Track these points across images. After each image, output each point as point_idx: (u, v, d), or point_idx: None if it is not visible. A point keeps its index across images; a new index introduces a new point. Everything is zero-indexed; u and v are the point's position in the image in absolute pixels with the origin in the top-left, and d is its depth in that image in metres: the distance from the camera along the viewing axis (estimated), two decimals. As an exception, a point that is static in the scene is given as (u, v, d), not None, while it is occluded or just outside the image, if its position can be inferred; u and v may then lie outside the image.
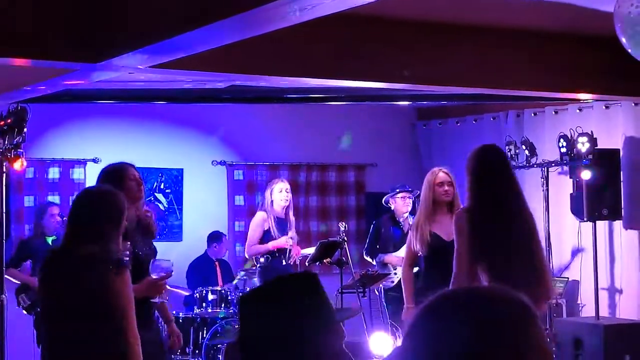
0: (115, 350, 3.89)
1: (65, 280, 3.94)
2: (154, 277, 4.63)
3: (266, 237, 7.68)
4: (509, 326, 1.49)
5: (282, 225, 7.64)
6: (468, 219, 4.72)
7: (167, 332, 5.19)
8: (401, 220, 7.67)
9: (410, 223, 7.56)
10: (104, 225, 3.96)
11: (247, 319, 2.12)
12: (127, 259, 4.23)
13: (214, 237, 8.72)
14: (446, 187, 6.02)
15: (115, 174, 4.83)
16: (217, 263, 8.68)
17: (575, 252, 8.22)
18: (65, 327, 3.95)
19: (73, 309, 3.90)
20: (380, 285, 7.69)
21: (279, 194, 7.52)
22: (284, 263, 7.50)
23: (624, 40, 4.00)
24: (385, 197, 7.82)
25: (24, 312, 7.17)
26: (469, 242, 4.67)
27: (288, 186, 7.62)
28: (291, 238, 7.49)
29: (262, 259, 7.61)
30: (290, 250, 7.61)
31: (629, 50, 4.06)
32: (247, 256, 7.56)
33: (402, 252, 7.55)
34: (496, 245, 4.63)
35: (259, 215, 7.61)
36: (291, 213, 7.70)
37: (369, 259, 7.94)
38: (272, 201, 7.53)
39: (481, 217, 4.70)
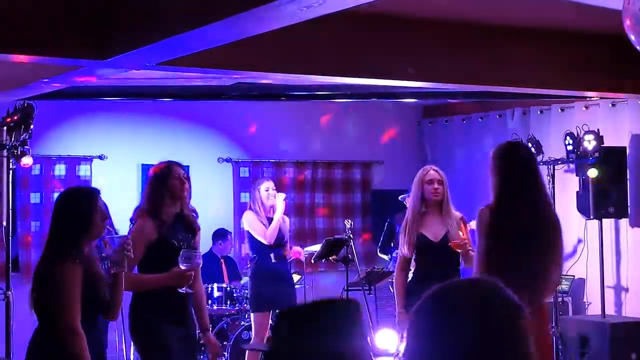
0: (59, 351, 3.96)
1: (33, 280, 4.13)
2: (182, 267, 4.72)
3: (252, 236, 7.58)
4: (501, 320, 1.51)
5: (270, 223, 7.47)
6: (489, 217, 4.58)
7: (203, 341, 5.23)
8: None
9: None
10: (68, 227, 4.11)
11: (280, 334, 2.13)
12: (129, 253, 4.29)
13: (219, 235, 8.73)
14: (436, 185, 5.73)
15: (161, 172, 5.02)
16: (222, 260, 8.69)
17: (582, 250, 8.21)
18: (37, 328, 4.13)
19: (36, 307, 4.07)
20: (391, 280, 7.69)
21: (265, 192, 7.42)
22: (273, 261, 7.40)
23: (632, 37, 3.98)
24: (402, 195, 7.80)
25: None
26: (487, 241, 4.56)
27: (272, 184, 7.53)
28: (280, 195, 7.40)
29: (250, 262, 7.55)
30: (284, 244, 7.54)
31: (638, 48, 4.04)
32: (270, 242, 7.38)
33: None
34: (511, 249, 4.51)
35: (250, 213, 7.48)
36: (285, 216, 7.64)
37: (383, 256, 7.94)
38: (261, 201, 7.41)
39: (501, 217, 4.57)
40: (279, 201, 7.37)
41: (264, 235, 7.38)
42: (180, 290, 4.79)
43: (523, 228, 4.57)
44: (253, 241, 7.51)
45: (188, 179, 5.06)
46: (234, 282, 8.34)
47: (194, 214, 5.13)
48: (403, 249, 5.75)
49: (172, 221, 4.96)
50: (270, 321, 7.20)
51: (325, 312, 2.11)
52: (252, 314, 7.32)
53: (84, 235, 4.11)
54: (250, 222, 7.49)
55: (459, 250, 5.59)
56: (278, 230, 7.36)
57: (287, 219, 7.68)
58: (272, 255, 7.38)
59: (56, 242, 4.09)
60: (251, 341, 7.28)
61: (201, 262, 4.84)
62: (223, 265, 8.65)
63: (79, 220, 4.12)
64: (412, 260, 5.77)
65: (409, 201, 7.65)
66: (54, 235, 4.14)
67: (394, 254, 7.74)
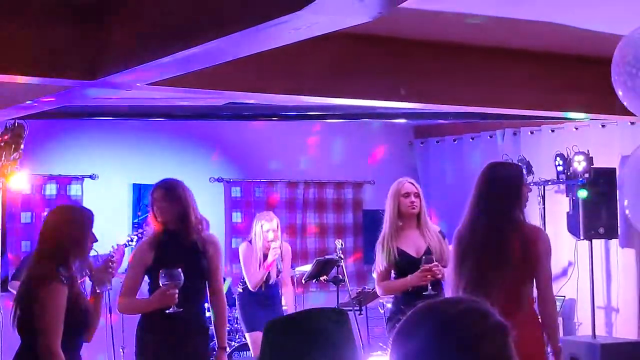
0: None
1: (17, 299, 4.10)
2: (163, 287, 4.70)
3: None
4: (494, 339, 1.53)
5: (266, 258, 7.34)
6: (456, 238, 4.56)
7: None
8: None
9: None
10: (63, 243, 4.08)
11: (271, 345, 2.14)
12: (113, 270, 4.33)
13: None
14: (412, 198, 5.64)
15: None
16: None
17: (572, 270, 8.22)
18: (20, 345, 4.10)
19: (19, 327, 4.04)
20: (382, 301, 7.66)
21: (267, 234, 7.19)
22: (262, 289, 7.27)
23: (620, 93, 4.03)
24: None
25: None
26: (454, 269, 4.51)
27: (275, 226, 7.23)
28: (275, 248, 7.13)
29: (240, 289, 7.43)
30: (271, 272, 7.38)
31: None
32: (253, 288, 7.22)
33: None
34: (473, 272, 4.42)
35: (245, 246, 7.35)
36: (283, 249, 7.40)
37: (375, 276, 7.93)
38: (261, 235, 7.22)
39: (464, 243, 4.49)
40: (272, 252, 7.14)
41: (252, 280, 7.21)
42: (168, 312, 4.75)
43: (476, 251, 4.45)
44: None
45: (165, 198, 5.00)
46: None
47: (197, 237, 5.01)
48: (381, 265, 5.62)
49: (163, 242, 4.96)
50: None
51: (314, 321, 2.13)
52: (247, 335, 7.29)
53: (73, 257, 4.10)
54: (244, 256, 7.33)
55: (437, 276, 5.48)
56: (265, 275, 7.20)
57: (288, 248, 7.57)
58: (263, 284, 7.30)
59: (45, 261, 4.06)
60: None
61: (182, 281, 4.77)
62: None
63: (71, 241, 4.10)
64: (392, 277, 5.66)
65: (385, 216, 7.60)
66: (44, 253, 4.09)
67: None
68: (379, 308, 7.96)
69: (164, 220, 5.00)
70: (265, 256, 7.18)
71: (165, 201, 4.99)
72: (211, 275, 5.05)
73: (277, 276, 7.34)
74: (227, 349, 5.46)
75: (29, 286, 4.04)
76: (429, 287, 5.40)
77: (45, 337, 3.92)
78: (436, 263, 5.43)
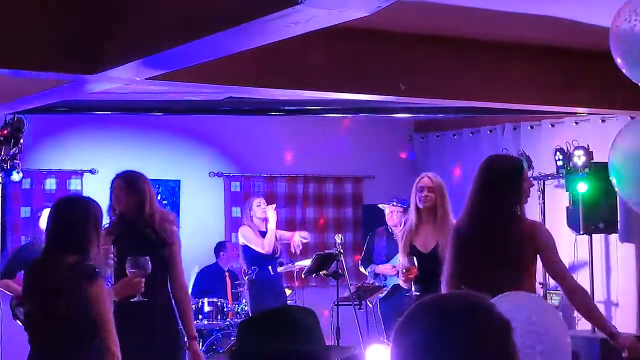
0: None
1: (48, 293, 3.94)
2: (129, 274, 4.63)
3: (249, 249, 7.93)
4: (496, 335, 1.53)
5: (263, 237, 8.02)
6: (454, 231, 4.50)
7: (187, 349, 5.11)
8: (396, 231, 7.65)
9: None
10: (82, 234, 3.98)
11: (243, 340, 2.17)
12: (112, 261, 4.32)
13: (220, 247, 8.79)
14: (425, 193, 5.68)
15: None
16: (227, 274, 8.67)
17: (571, 265, 8.21)
18: (52, 342, 3.96)
19: (57, 322, 3.92)
20: (374, 297, 7.70)
21: (257, 207, 8.03)
22: (271, 273, 7.79)
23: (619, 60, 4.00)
24: (382, 204, 7.80)
25: (21, 324, 6.80)
26: (449, 260, 4.45)
27: (263, 199, 8.26)
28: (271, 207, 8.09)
29: (248, 274, 7.86)
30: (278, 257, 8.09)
31: (624, 70, 4.05)
32: (268, 251, 7.94)
33: (394, 261, 7.54)
34: (467, 269, 4.35)
35: (246, 227, 8.09)
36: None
37: (362, 269, 7.95)
38: (251, 217, 8.04)
39: (461, 236, 4.42)
40: (271, 212, 7.95)
41: (262, 245, 7.85)
42: (133, 300, 4.63)
43: (473, 244, 4.39)
44: (249, 255, 7.76)
45: (123, 187, 5.10)
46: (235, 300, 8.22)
47: (155, 228, 5.05)
48: (401, 257, 5.77)
49: (122, 231, 5.01)
50: None
51: (285, 317, 2.17)
52: None
53: (94, 243, 4.05)
54: (246, 235, 7.96)
55: None
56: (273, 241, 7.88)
57: (285, 234, 8.34)
58: (270, 268, 7.63)
59: (77, 255, 3.94)
60: None
61: (149, 269, 4.69)
62: (227, 279, 8.62)
63: (90, 235, 4.02)
64: None
65: (387, 207, 7.66)
66: (71, 247, 3.97)
67: (368, 270, 7.75)
68: (368, 303, 7.94)
69: (121, 210, 5.09)
70: (262, 233, 7.93)
71: (123, 190, 5.07)
72: (172, 266, 5.07)
73: (280, 257, 8.10)
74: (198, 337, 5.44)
75: (71, 280, 3.90)
76: (412, 288, 5.59)
77: (105, 329, 3.86)
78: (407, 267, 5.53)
